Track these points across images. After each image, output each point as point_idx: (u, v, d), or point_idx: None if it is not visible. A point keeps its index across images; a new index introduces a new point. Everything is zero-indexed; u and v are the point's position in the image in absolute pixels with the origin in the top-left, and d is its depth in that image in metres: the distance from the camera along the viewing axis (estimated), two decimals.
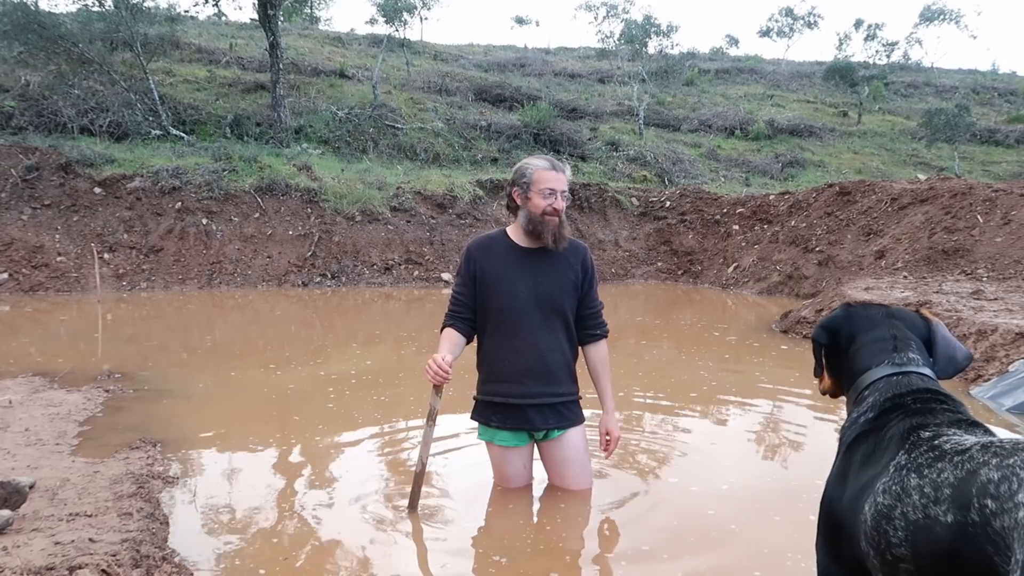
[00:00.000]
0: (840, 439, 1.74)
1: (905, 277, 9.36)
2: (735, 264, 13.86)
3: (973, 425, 1.54)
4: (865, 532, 1.48)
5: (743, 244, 14.25)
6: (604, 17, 30.66)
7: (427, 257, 14.17)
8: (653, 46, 28.44)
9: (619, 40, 29.00)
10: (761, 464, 4.09)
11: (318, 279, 13.13)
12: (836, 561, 1.66)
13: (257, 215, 13.62)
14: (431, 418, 3.19)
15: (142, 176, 13.42)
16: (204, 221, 13.19)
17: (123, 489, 3.18)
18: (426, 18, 45.33)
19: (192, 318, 10.23)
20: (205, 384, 5.88)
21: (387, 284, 13.41)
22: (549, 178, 3.32)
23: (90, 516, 2.80)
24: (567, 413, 3.47)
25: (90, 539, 2.53)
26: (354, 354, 7.68)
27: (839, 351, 1.85)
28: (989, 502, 1.23)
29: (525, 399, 3.36)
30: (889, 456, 1.52)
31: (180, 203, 13.24)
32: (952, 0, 44.34)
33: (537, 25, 79.70)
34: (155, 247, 12.68)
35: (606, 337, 3.58)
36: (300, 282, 12.94)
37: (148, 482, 3.34)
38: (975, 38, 61.30)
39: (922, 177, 18.55)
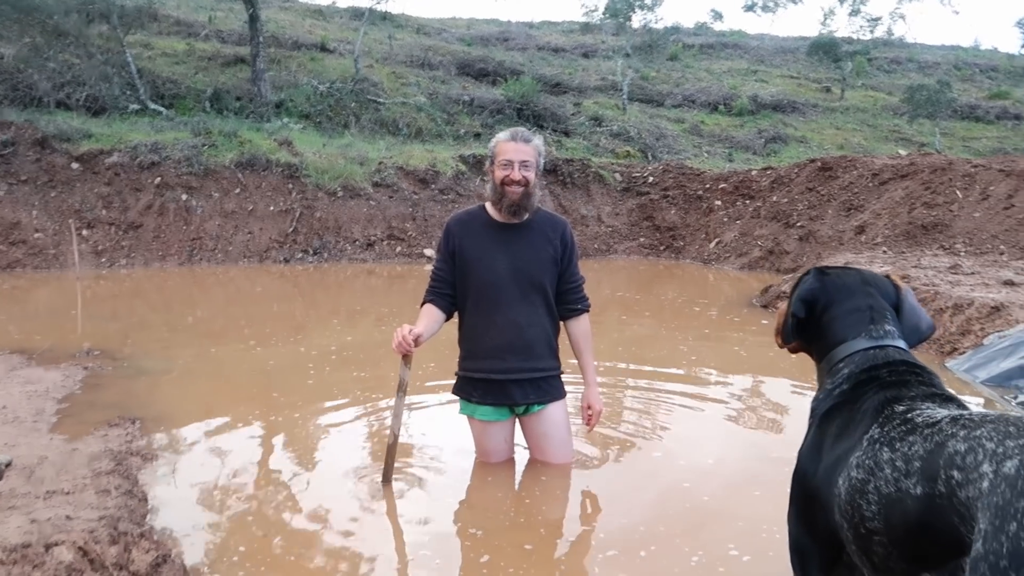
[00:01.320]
0: (812, 410, 1.74)
1: (884, 252, 9.45)
2: (717, 239, 13.92)
3: (947, 399, 1.55)
4: (839, 506, 1.49)
5: (725, 219, 14.29)
6: None
7: (409, 233, 14.11)
8: (637, 20, 28.25)
9: (603, 14, 28.75)
10: (740, 438, 4.13)
11: (300, 255, 13.05)
12: (809, 533, 1.66)
13: (238, 191, 13.48)
14: (401, 389, 3.21)
15: (120, 151, 13.21)
16: (184, 197, 13.04)
17: (101, 466, 3.17)
18: None
19: (172, 295, 10.15)
20: (185, 361, 5.85)
21: (369, 260, 13.35)
22: (508, 149, 3.33)
23: (67, 494, 2.79)
24: (548, 388, 3.49)
25: (67, 516, 2.52)
26: (335, 330, 7.66)
27: (813, 319, 1.83)
28: (955, 473, 1.23)
29: (506, 374, 3.37)
30: (863, 429, 1.52)
31: (159, 178, 13.07)
32: None
33: None
34: (134, 223, 12.53)
35: (587, 312, 3.60)
36: (282, 258, 12.85)
37: (126, 459, 3.33)
38: (957, 14, 61.47)
39: (903, 153, 18.64)
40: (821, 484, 1.57)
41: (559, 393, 3.55)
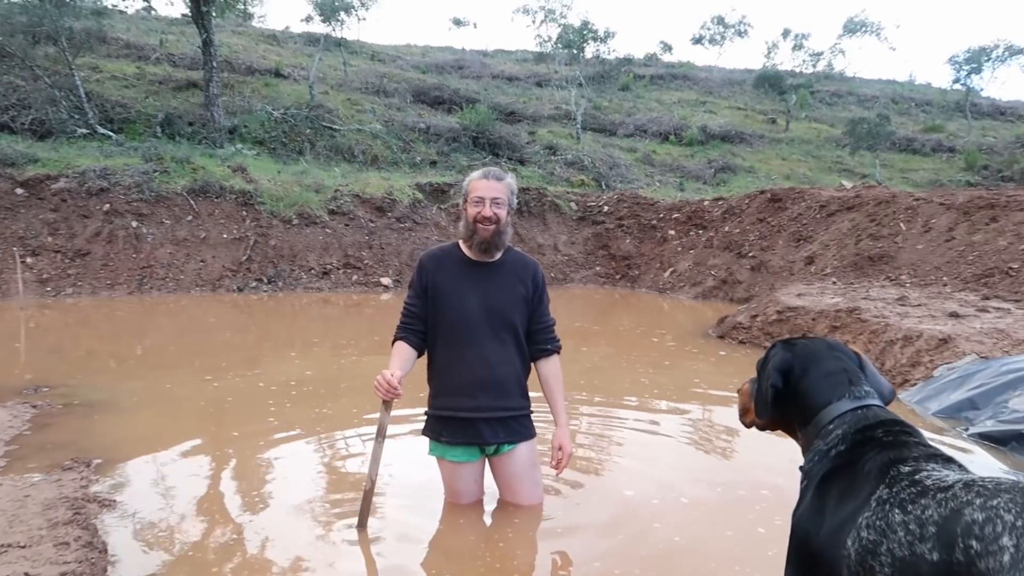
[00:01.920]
0: (806, 473, 1.76)
1: (834, 283, 9.71)
2: (671, 269, 14.14)
3: (948, 460, 1.59)
4: (849, 567, 1.50)
5: (679, 249, 14.54)
6: (542, 21, 30.86)
7: (366, 261, 14.01)
8: (590, 51, 28.75)
9: (557, 44, 29.21)
10: (709, 474, 4.16)
11: (254, 284, 12.83)
12: None
13: (190, 218, 13.23)
14: (380, 434, 3.16)
15: (67, 176, 12.88)
16: (134, 224, 12.74)
17: (58, 515, 3.04)
18: (364, 18, 44.80)
19: (122, 325, 9.87)
20: (139, 397, 5.67)
21: (325, 289, 13.21)
22: (480, 187, 3.36)
23: (23, 547, 2.67)
24: (517, 427, 3.48)
25: (25, 573, 2.41)
26: (293, 363, 7.54)
27: (790, 388, 1.86)
28: (974, 543, 1.25)
29: (475, 413, 3.35)
30: (868, 490, 1.54)
31: (108, 205, 12.75)
32: (873, 13, 46.21)
33: (475, 27, 79.50)
34: (81, 251, 12.18)
35: (558, 352, 3.61)
36: (235, 287, 12.63)
37: (84, 507, 3.21)
38: (894, 50, 64.17)
39: (847, 184, 19.25)
40: (826, 545, 1.59)
41: (529, 433, 3.54)
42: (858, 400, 1.75)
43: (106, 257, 12.31)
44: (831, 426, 1.74)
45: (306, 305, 11.89)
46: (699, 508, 3.63)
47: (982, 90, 43.74)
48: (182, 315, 10.75)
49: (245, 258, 13.09)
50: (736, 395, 2.19)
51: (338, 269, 13.66)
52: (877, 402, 1.76)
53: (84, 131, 16.09)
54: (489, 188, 3.36)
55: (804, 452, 1.87)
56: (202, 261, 12.81)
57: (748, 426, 2.07)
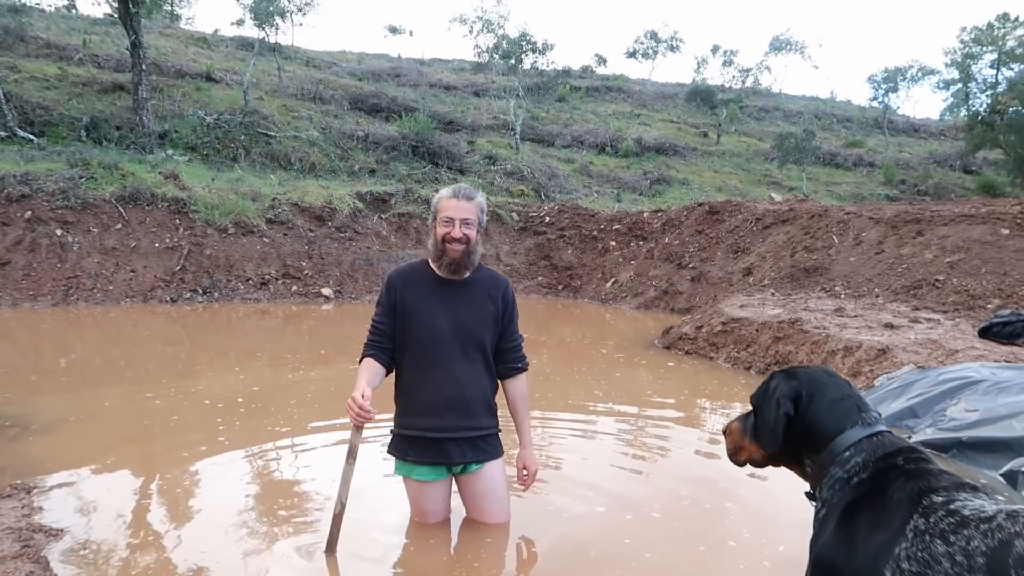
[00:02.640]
0: (824, 501, 1.77)
1: (773, 294, 9.99)
2: (613, 279, 14.31)
3: (975, 488, 1.62)
4: None
5: (620, 260, 14.73)
6: (479, 31, 30.96)
7: (305, 271, 13.72)
8: (528, 62, 28.98)
9: (495, 54, 29.34)
10: (677, 489, 4.19)
11: (188, 295, 12.41)
12: None
13: (119, 226, 12.71)
14: (351, 456, 3.07)
15: None
16: (59, 232, 12.16)
17: (3, 549, 2.85)
18: (301, 23, 44.08)
19: (47, 339, 9.39)
20: (76, 416, 5.39)
21: (264, 300, 12.86)
22: (450, 206, 3.32)
23: None
24: (485, 447, 3.44)
25: None
26: (237, 377, 7.30)
27: (797, 417, 1.87)
28: None
29: (443, 432, 3.31)
30: (901, 519, 1.55)
31: (30, 212, 12.14)
32: (798, 32, 48.02)
33: (411, 35, 79.21)
34: (1, 260, 11.55)
35: (526, 371, 3.60)
36: (168, 298, 12.18)
37: (31, 537, 3.01)
38: (817, 68, 66.74)
39: (776, 196, 19.89)
40: (860, 575, 1.60)
41: (497, 452, 3.51)
42: (870, 427, 1.78)
43: (28, 267, 11.71)
44: (847, 454, 1.75)
45: (244, 316, 11.55)
46: (669, 523, 3.65)
47: (898, 108, 45.98)
48: (111, 327, 10.30)
49: (179, 268, 12.65)
50: (723, 436, 2.19)
51: (277, 279, 13.34)
52: (887, 428, 1.80)
53: (2, 134, 15.30)
54: (459, 208, 3.31)
55: (812, 481, 1.87)
56: (132, 271, 12.32)
57: (742, 464, 2.07)
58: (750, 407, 2.08)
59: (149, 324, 10.45)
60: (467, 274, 3.38)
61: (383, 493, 3.82)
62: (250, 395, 6.34)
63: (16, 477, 3.94)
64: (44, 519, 3.38)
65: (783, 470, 2.01)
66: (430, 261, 3.44)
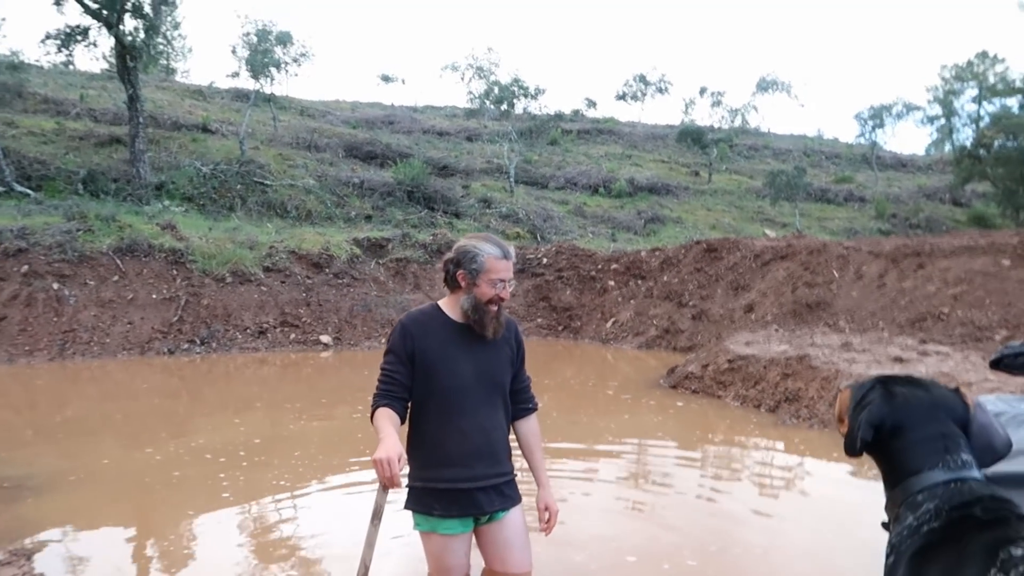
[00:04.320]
0: (893, 547, 1.68)
1: (777, 330, 9.93)
2: (613, 319, 14.25)
3: None
4: None
5: (619, 299, 14.68)
6: (471, 78, 31.37)
7: (304, 319, 13.62)
8: (520, 107, 29.33)
9: (488, 100, 29.71)
10: (706, 534, 4.06)
11: (186, 346, 12.27)
12: None
13: (116, 278, 12.63)
14: (376, 517, 2.94)
15: None
16: (55, 286, 12.07)
17: None
18: (296, 74, 44.66)
19: (46, 394, 9.24)
20: (77, 475, 5.25)
21: (262, 348, 12.73)
22: (500, 268, 3.21)
23: None
24: (509, 492, 3.33)
25: None
26: (237, 429, 7.15)
27: (880, 441, 1.76)
28: None
29: (473, 482, 3.19)
30: (976, 572, 1.46)
31: (27, 266, 12.06)
32: (783, 72, 48.92)
33: (403, 83, 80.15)
34: None
35: (537, 411, 3.52)
36: (166, 349, 12.04)
37: None
38: (803, 106, 67.82)
39: (770, 233, 19.99)
40: None
41: (518, 497, 3.39)
42: (952, 472, 1.66)
43: (24, 322, 11.59)
44: (920, 497, 1.65)
45: (242, 366, 11.42)
46: (693, 572, 3.53)
47: (885, 144, 46.65)
48: (108, 381, 10.16)
49: (176, 319, 12.54)
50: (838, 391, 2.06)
51: (275, 328, 13.22)
52: (974, 474, 1.67)
53: (0, 189, 15.31)
54: (508, 269, 3.23)
55: (888, 509, 1.78)
56: (129, 323, 12.20)
57: (841, 434, 1.95)
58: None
59: (147, 377, 10.31)
60: (502, 332, 3.29)
61: (395, 552, 3.68)
62: (251, 447, 6.21)
63: (15, 539, 3.80)
64: None
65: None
66: (442, 305, 3.36)
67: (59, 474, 5.21)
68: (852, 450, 1.79)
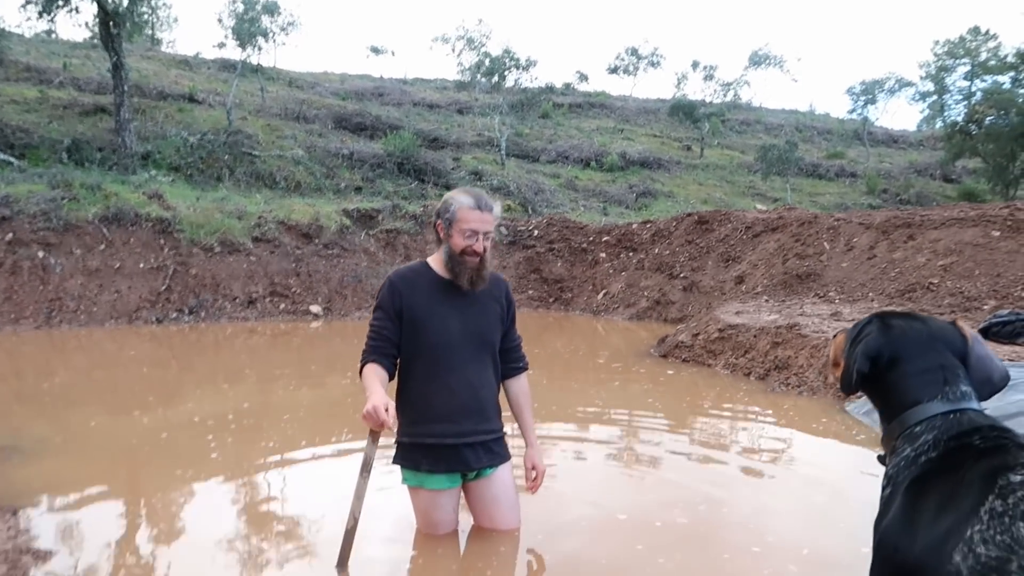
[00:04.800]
0: (890, 478, 1.66)
1: (767, 300, 9.94)
2: (604, 291, 14.23)
3: None
4: None
5: (611, 271, 14.66)
6: (461, 50, 31.05)
7: (293, 289, 13.54)
8: (512, 79, 29.08)
9: (479, 73, 29.44)
10: (695, 496, 4.05)
11: (174, 315, 12.19)
12: None
13: (103, 247, 12.49)
14: (366, 468, 2.93)
15: None
16: (40, 254, 11.93)
17: None
18: (283, 43, 44.11)
19: (32, 362, 9.16)
20: (63, 437, 5.20)
21: (251, 318, 12.66)
22: (472, 218, 3.18)
23: None
24: (498, 450, 3.35)
25: None
26: (226, 395, 7.12)
27: (877, 374, 1.74)
28: None
29: (461, 438, 3.19)
30: (974, 501, 1.43)
31: (11, 234, 11.91)
32: (776, 46, 48.57)
33: (393, 55, 79.41)
34: None
35: (527, 370, 3.51)
36: (154, 318, 11.96)
37: (19, 559, 2.85)
38: (796, 81, 67.55)
39: (761, 207, 19.95)
40: (925, 560, 1.47)
41: (507, 455, 3.42)
42: (951, 403, 1.64)
43: (9, 290, 11.46)
44: (918, 429, 1.63)
45: (231, 336, 11.35)
46: (687, 530, 3.53)
47: (876, 120, 46.57)
48: (96, 349, 10.08)
49: (164, 288, 12.44)
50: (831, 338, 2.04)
51: (264, 298, 13.14)
52: (973, 405, 1.65)
53: None
54: (482, 220, 3.19)
55: (884, 443, 1.77)
56: (117, 292, 12.10)
57: (834, 380, 1.96)
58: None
59: (135, 346, 10.24)
60: (483, 286, 3.26)
61: (382, 506, 3.67)
62: (241, 412, 6.17)
63: (2, 501, 3.76)
64: (31, 541, 3.21)
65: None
66: (431, 263, 3.33)
67: (45, 437, 5.17)
68: (848, 385, 1.77)
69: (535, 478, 3.38)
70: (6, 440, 5.04)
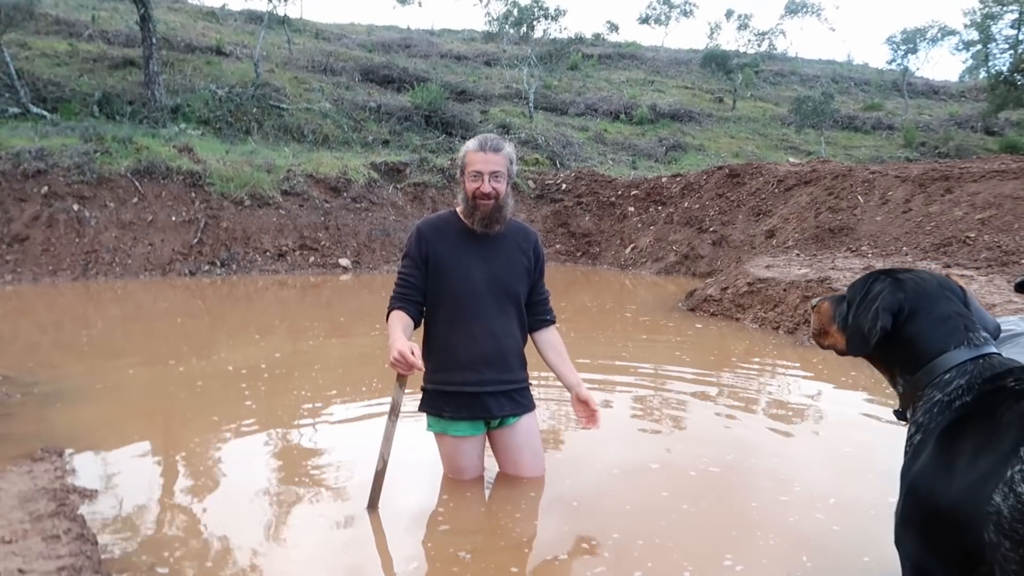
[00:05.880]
0: (920, 425, 1.65)
1: (798, 255, 9.82)
2: (632, 245, 14.15)
3: None
4: (997, 524, 1.40)
5: (639, 225, 14.55)
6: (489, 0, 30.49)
7: (322, 242, 13.66)
8: (540, 29, 28.57)
9: (507, 23, 28.94)
10: (723, 448, 4.06)
11: (206, 267, 12.38)
12: (934, 553, 1.57)
13: (135, 200, 12.67)
14: (394, 412, 2.99)
15: (0, 158, 12.18)
16: (75, 207, 12.13)
17: (40, 508, 2.80)
18: None
19: (70, 313, 9.39)
20: (103, 384, 5.36)
21: (281, 271, 12.83)
22: (476, 160, 3.19)
23: (8, 543, 2.44)
24: (521, 399, 3.38)
25: (19, 570, 2.19)
26: (258, 346, 7.26)
27: (896, 329, 1.73)
28: None
29: (482, 386, 3.23)
30: (1014, 441, 1.43)
31: (47, 187, 12.11)
32: None
33: (420, 6, 78.13)
34: (19, 236, 11.54)
35: (554, 324, 3.52)
36: (187, 271, 12.16)
37: (66, 498, 2.97)
38: (834, 31, 65.47)
39: (794, 160, 19.58)
40: (962, 502, 1.48)
41: (531, 404, 3.45)
42: (977, 348, 1.64)
43: (47, 242, 11.70)
44: (948, 376, 1.62)
45: (262, 288, 11.52)
46: (715, 479, 3.56)
47: (917, 70, 45.13)
48: (131, 301, 10.29)
49: (196, 241, 12.61)
50: (810, 311, 2.04)
51: (294, 251, 13.28)
52: (995, 349, 1.67)
53: (16, 110, 15.26)
54: (487, 161, 3.19)
55: (902, 400, 1.76)
56: (150, 245, 12.30)
57: (825, 348, 1.96)
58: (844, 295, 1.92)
59: (168, 297, 10.44)
60: (499, 229, 3.27)
61: (412, 451, 3.74)
62: (273, 361, 6.30)
63: (46, 442, 3.90)
64: (77, 481, 3.34)
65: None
66: (459, 212, 3.33)
67: (85, 384, 5.33)
68: (866, 345, 1.75)
69: (591, 413, 3.26)
70: (49, 387, 5.21)
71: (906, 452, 1.68)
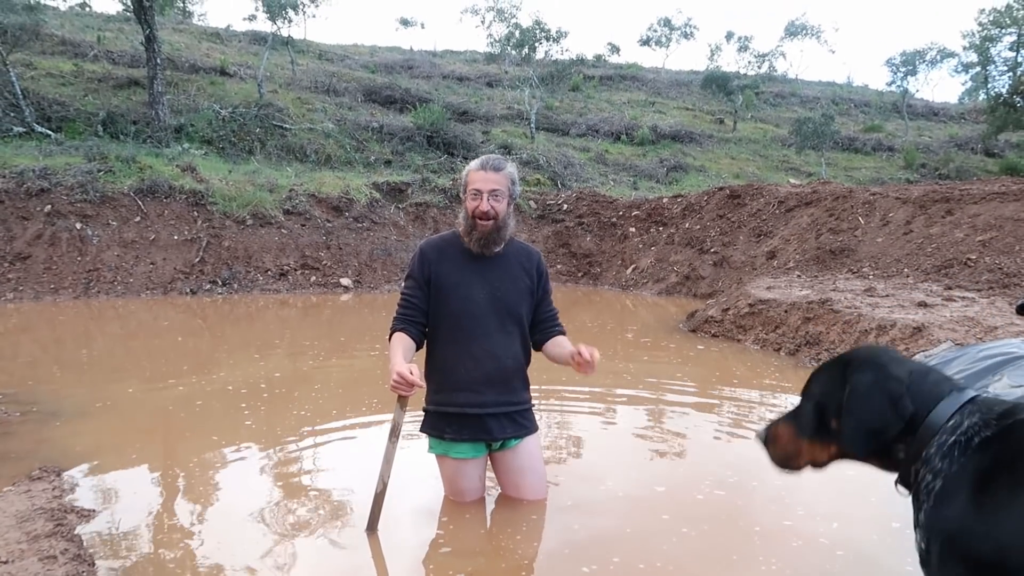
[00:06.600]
0: (935, 472, 1.56)
1: (799, 276, 9.82)
2: (633, 266, 14.16)
3: None
4: None
5: (640, 246, 14.57)
6: (491, 21, 30.78)
7: (324, 262, 13.67)
8: (542, 51, 28.79)
9: (509, 45, 29.18)
10: (724, 471, 4.05)
11: (207, 286, 12.39)
12: None
13: (138, 219, 12.70)
14: (394, 434, 2.98)
15: (4, 177, 12.24)
16: (78, 226, 12.17)
17: (37, 528, 2.78)
18: (313, 15, 44.11)
19: (71, 331, 9.38)
20: (103, 403, 5.34)
21: (283, 290, 12.83)
22: (476, 179, 3.21)
23: (5, 563, 2.42)
24: (523, 421, 3.36)
25: None
26: (257, 365, 7.24)
27: None
28: None
29: (483, 408, 3.22)
30: None
31: (50, 206, 12.16)
32: (813, 16, 47.44)
33: (423, 27, 79.07)
34: (22, 254, 11.57)
35: (565, 335, 3.48)
36: (188, 289, 12.16)
37: (64, 517, 2.95)
38: (833, 52, 65.77)
39: (794, 181, 19.63)
40: (1009, 545, 1.40)
41: (534, 426, 3.43)
42: (964, 390, 1.63)
43: (49, 260, 11.73)
44: (954, 421, 1.58)
45: (263, 307, 11.51)
46: (715, 504, 3.53)
47: (916, 92, 45.34)
48: (132, 319, 10.28)
49: (197, 260, 12.63)
50: (763, 445, 1.96)
51: (295, 270, 13.29)
52: (978, 392, 1.65)
53: (20, 130, 15.35)
54: (487, 180, 3.20)
55: (902, 466, 1.69)
56: (152, 263, 12.31)
57: (799, 470, 1.89)
58: (796, 404, 1.88)
59: (169, 316, 10.43)
60: (497, 250, 3.27)
61: (413, 472, 3.72)
62: (273, 381, 6.28)
63: (44, 461, 3.88)
64: (75, 501, 3.32)
65: None
66: (462, 235, 3.34)
67: (85, 403, 5.31)
68: (876, 437, 1.68)
69: (590, 355, 3.02)
70: (49, 405, 5.19)
71: (921, 502, 1.60)
